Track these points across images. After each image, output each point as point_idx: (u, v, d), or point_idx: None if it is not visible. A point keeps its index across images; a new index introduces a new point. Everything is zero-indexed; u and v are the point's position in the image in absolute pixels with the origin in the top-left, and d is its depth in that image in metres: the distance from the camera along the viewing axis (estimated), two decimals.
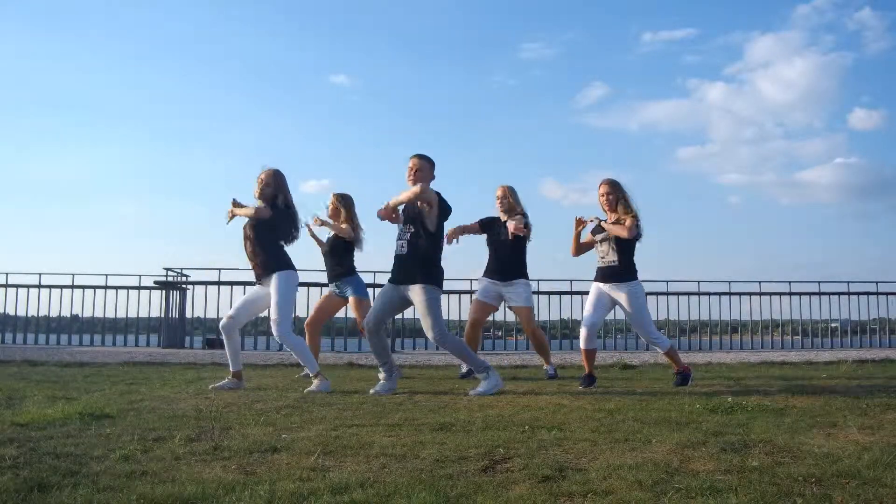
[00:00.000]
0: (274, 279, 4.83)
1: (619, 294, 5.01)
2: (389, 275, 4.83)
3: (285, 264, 4.91)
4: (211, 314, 10.60)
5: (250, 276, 5.73)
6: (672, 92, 65.84)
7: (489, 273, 5.92)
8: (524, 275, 5.91)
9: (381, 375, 4.73)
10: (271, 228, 4.90)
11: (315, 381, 4.75)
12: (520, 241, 5.83)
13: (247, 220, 4.97)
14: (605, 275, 5.06)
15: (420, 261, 4.65)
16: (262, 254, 4.88)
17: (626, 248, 5.01)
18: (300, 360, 4.95)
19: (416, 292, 4.64)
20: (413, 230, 4.70)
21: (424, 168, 4.74)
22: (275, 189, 4.93)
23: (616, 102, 69.16)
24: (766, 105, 67.29)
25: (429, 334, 4.69)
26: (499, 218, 5.90)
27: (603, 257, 5.08)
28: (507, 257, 5.85)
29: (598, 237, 5.11)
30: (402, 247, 4.72)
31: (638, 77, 65.45)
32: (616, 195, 5.09)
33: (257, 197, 4.95)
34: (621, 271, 5.01)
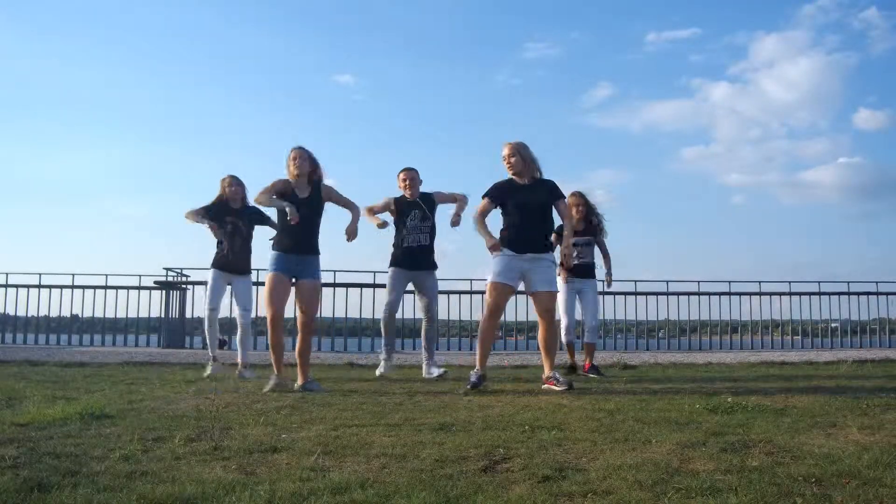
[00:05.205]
0: (246, 278, 6.01)
1: (587, 286, 6.13)
2: (404, 263, 5.70)
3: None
4: None
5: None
6: (676, 92, 66.00)
7: (512, 244, 4.77)
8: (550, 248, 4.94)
9: (384, 355, 5.82)
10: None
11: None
12: (544, 206, 4.86)
13: (237, 216, 5.95)
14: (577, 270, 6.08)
15: (432, 249, 5.78)
16: (247, 252, 5.97)
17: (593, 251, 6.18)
18: (239, 344, 5.87)
19: (430, 275, 5.77)
20: (432, 224, 5.67)
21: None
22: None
23: (620, 102, 69.26)
24: (771, 105, 67.34)
25: (433, 308, 5.81)
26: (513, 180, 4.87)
27: (581, 256, 6.09)
28: (537, 224, 4.81)
29: (575, 240, 5.95)
30: (426, 239, 5.69)
31: (642, 77, 65.54)
32: (585, 208, 6.11)
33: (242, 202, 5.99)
34: (592, 268, 6.19)
